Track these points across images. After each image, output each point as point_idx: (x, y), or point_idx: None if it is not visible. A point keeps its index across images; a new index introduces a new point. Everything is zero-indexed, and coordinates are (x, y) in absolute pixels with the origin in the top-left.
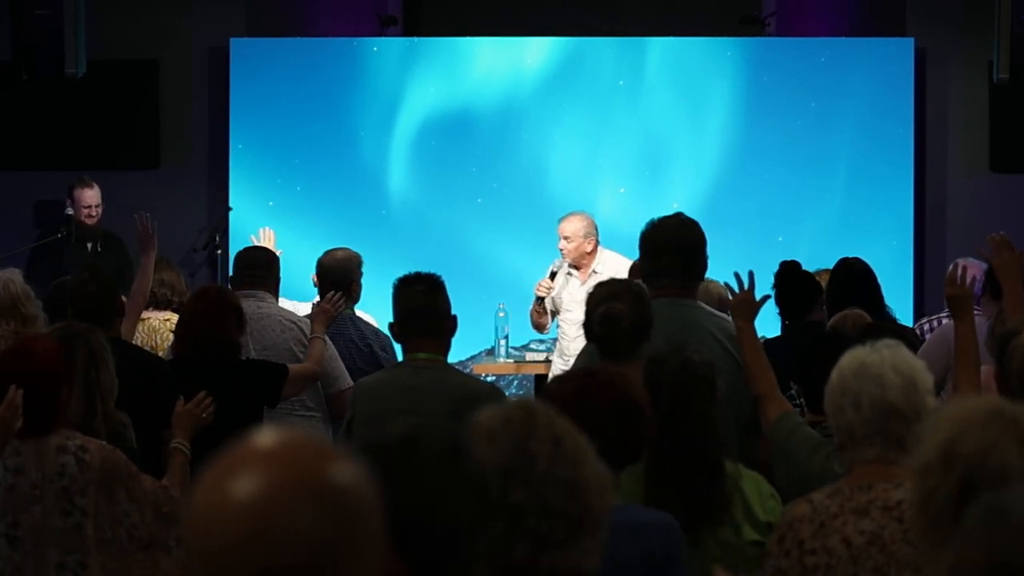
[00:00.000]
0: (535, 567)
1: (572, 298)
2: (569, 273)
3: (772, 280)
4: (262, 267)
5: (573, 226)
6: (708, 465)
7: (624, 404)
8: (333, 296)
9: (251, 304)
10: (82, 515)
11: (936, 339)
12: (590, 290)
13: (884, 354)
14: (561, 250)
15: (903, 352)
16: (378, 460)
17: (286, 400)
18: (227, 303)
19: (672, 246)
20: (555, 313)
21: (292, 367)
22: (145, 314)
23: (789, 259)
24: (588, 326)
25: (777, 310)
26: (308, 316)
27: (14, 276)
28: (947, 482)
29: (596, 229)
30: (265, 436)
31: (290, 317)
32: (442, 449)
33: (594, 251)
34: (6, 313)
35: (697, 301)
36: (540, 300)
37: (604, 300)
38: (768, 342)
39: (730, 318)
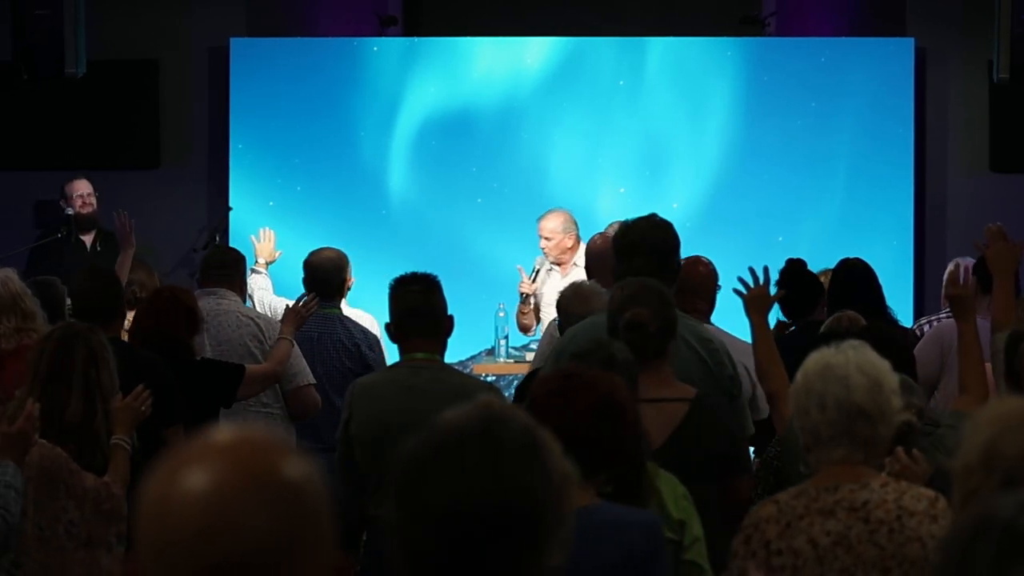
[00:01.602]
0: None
1: (553, 291)
2: (550, 269)
3: (773, 279)
4: (226, 266)
5: (552, 224)
6: (625, 461)
7: (605, 407)
8: (308, 299)
9: (211, 301)
10: (20, 514)
11: (929, 339)
12: (612, 292)
13: (849, 355)
14: (543, 248)
15: (868, 353)
16: (459, 448)
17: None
18: (179, 303)
19: (645, 247)
20: (538, 309)
21: (250, 367)
22: None
23: (795, 257)
24: (612, 332)
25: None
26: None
27: (11, 274)
28: (989, 483)
29: (575, 224)
30: (217, 432)
31: (248, 313)
32: (523, 442)
33: (575, 245)
34: (7, 310)
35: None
36: (524, 299)
37: (627, 304)
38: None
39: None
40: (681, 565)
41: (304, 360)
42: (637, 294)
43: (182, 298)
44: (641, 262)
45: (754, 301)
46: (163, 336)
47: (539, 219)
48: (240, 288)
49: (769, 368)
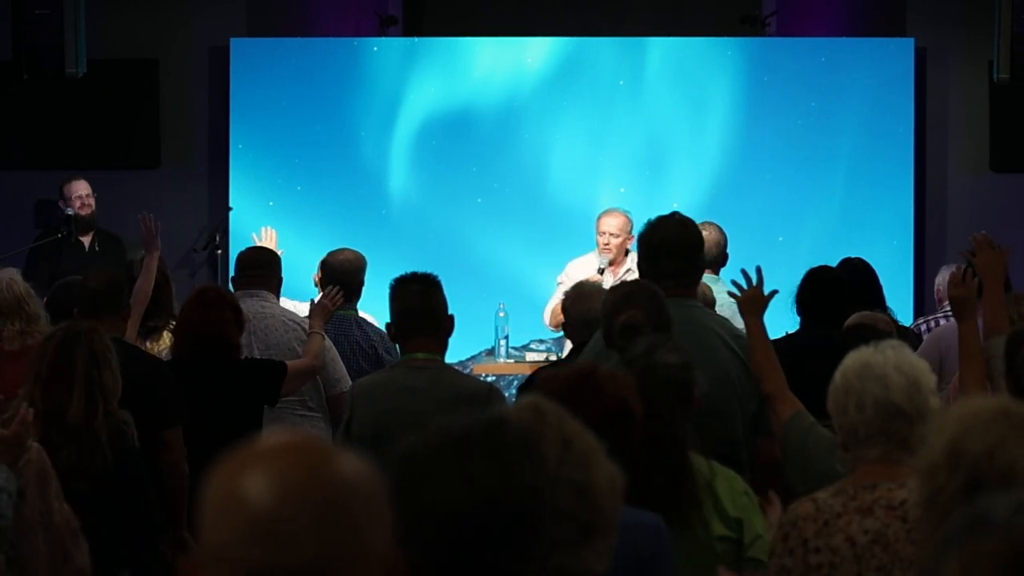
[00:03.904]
0: (544, 569)
1: None
2: (601, 270)
3: (773, 279)
4: (264, 267)
5: (619, 221)
6: (672, 469)
7: (615, 409)
8: (332, 291)
9: (255, 304)
10: (19, 498)
11: (928, 343)
12: (604, 296)
13: (888, 354)
14: (605, 245)
15: (906, 352)
16: (459, 450)
17: (286, 399)
18: (226, 302)
19: (672, 246)
20: None
21: (290, 363)
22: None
23: (820, 266)
24: (608, 336)
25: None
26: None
27: (15, 276)
28: (953, 482)
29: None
30: (270, 436)
31: (292, 317)
32: (522, 442)
33: (629, 249)
34: (11, 313)
35: (697, 301)
36: None
37: (621, 307)
38: (782, 341)
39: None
40: (743, 563)
41: (344, 366)
42: (629, 295)
43: (227, 297)
44: (668, 262)
45: (748, 303)
46: (211, 337)
47: (601, 216)
48: (276, 289)
49: (766, 369)
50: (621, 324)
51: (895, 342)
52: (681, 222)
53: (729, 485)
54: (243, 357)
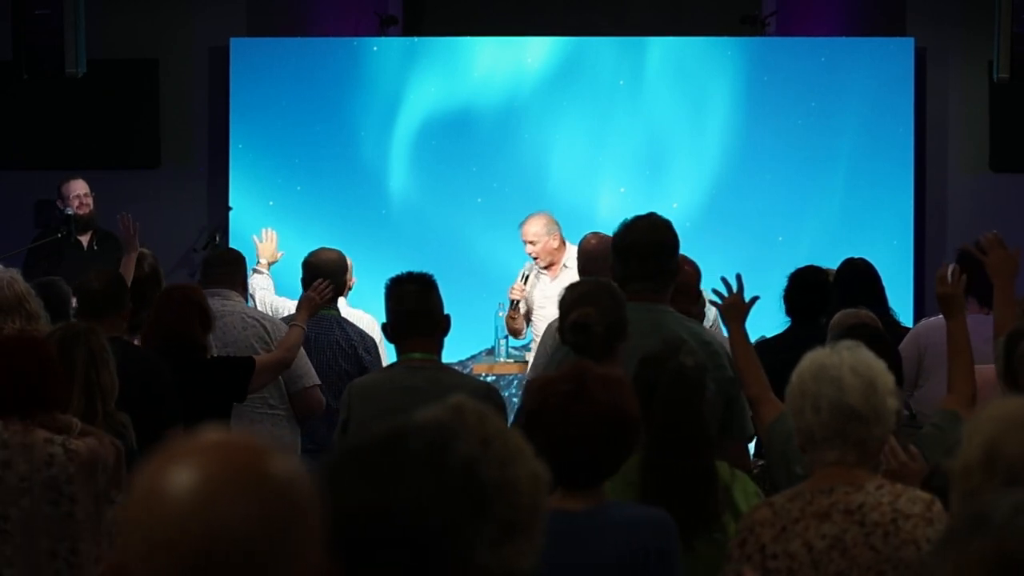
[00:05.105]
0: (467, 569)
1: (543, 295)
2: (538, 273)
3: (773, 279)
4: (227, 264)
5: (534, 228)
6: (701, 472)
7: (613, 416)
8: (321, 284)
9: (216, 302)
10: (71, 502)
11: (908, 340)
12: (562, 290)
13: (843, 356)
14: (530, 254)
15: (863, 353)
16: (361, 459)
17: (250, 398)
18: (192, 302)
19: (641, 249)
20: (529, 313)
21: (259, 358)
22: None
23: (805, 266)
24: (561, 333)
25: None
26: (286, 318)
27: (16, 275)
28: (990, 483)
29: (557, 224)
30: (202, 433)
31: (252, 314)
32: (427, 446)
33: (561, 246)
34: (11, 311)
35: (668, 306)
36: (514, 305)
37: (575, 304)
38: (773, 340)
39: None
40: None
41: (309, 361)
42: (586, 294)
43: (194, 296)
44: (639, 264)
45: (729, 310)
46: (176, 334)
47: (520, 225)
48: (242, 287)
49: (749, 373)
50: (571, 322)
51: (851, 342)
52: (652, 224)
53: (743, 488)
54: (210, 356)
